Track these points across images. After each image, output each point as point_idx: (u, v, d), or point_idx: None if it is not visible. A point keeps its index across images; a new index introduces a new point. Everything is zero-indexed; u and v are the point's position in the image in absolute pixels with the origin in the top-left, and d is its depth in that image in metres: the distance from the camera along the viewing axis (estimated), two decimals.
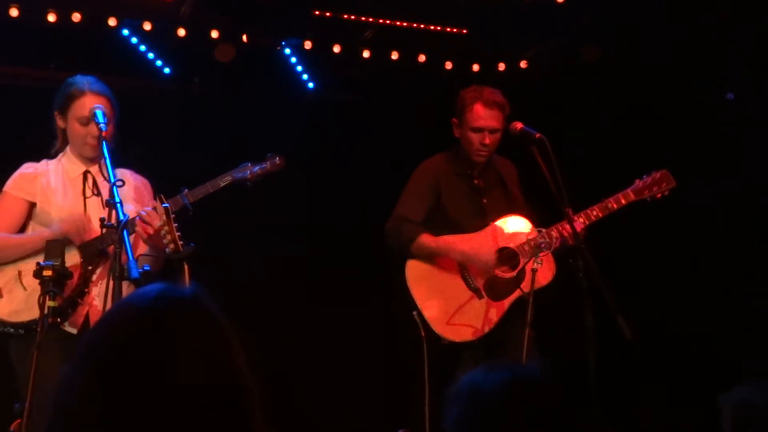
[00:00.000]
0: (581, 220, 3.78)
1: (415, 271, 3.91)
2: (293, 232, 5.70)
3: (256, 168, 3.68)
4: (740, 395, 1.67)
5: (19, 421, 3.35)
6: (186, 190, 3.57)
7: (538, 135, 3.74)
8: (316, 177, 5.59)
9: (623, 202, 3.85)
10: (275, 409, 1.25)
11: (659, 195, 3.87)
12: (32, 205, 3.62)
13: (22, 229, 3.61)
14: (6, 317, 3.48)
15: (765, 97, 4.87)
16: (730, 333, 4.99)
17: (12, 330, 3.49)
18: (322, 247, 5.78)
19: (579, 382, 3.55)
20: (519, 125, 3.83)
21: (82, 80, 3.64)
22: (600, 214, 3.82)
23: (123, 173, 3.61)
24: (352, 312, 5.66)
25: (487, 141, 3.86)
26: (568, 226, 3.67)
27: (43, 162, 3.69)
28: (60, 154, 3.68)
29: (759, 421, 1.56)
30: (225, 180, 3.63)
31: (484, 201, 3.93)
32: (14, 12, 4.96)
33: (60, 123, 3.64)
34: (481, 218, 3.89)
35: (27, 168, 3.67)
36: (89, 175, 3.61)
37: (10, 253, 3.52)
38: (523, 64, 5.87)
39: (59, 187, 3.62)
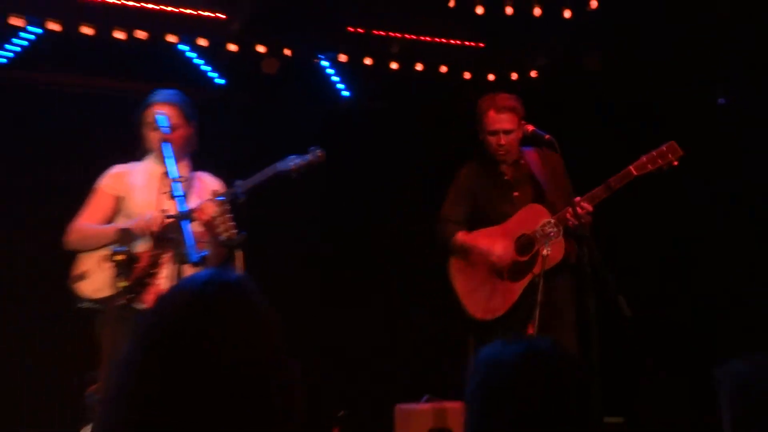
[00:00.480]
0: (584, 203, 3.67)
1: (455, 265, 3.94)
2: (324, 224, 5.71)
3: (300, 160, 3.63)
4: (736, 369, 1.58)
5: (95, 386, 3.41)
6: (238, 182, 3.55)
7: (547, 136, 3.71)
8: (348, 175, 5.57)
9: (625, 180, 3.71)
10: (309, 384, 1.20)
11: (666, 167, 3.70)
12: (119, 200, 3.63)
13: (111, 221, 3.62)
14: (90, 294, 3.50)
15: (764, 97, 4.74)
16: (727, 316, 4.90)
17: (95, 305, 3.51)
18: (355, 234, 5.75)
19: (584, 354, 3.51)
20: (530, 127, 3.82)
21: (156, 92, 3.67)
22: (603, 195, 3.71)
23: (201, 175, 3.68)
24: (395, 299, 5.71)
25: (503, 141, 3.84)
26: (570, 210, 3.62)
27: (131, 164, 3.70)
28: (145, 157, 3.69)
29: (756, 394, 1.49)
30: (272, 170, 3.59)
31: (515, 194, 3.91)
32: (89, 30, 4.99)
33: (144, 132, 3.65)
34: (512, 210, 3.87)
35: (116, 168, 3.69)
36: (167, 175, 3.55)
37: (95, 241, 3.53)
38: (533, 74, 5.86)
39: (141, 185, 3.62)
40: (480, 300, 3.84)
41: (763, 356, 1.62)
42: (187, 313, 1.17)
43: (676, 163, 3.64)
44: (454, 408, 4.51)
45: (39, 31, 4.98)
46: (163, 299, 1.24)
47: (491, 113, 3.84)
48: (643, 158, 3.68)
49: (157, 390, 1.11)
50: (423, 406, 4.61)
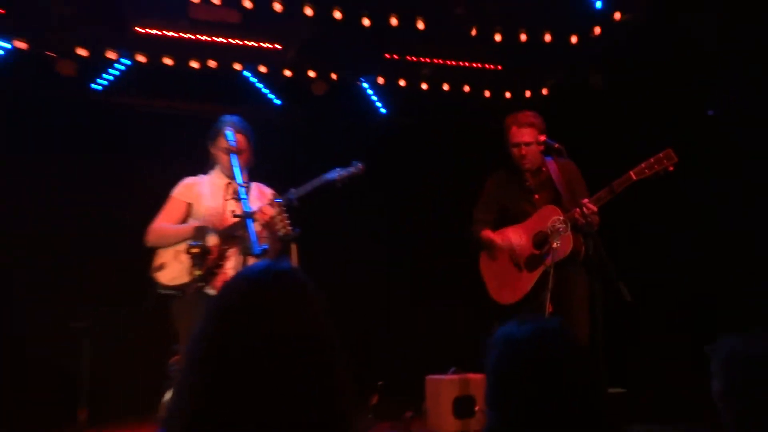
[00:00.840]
0: (589, 204, 3.70)
1: (484, 258, 3.99)
2: (365, 222, 5.72)
3: (343, 171, 3.66)
4: (726, 343, 1.52)
5: (177, 356, 3.52)
6: (292, 190, 3.58)
7: (557, 145, 3.75)
8: (385, 180, 5.54)
9: (626, 184, 3.72)
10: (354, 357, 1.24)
11: (662, 172, 3.70)
12: (190, 205, 3.67)
13: (182, 223, 3.66)
14: (168, 282, 3.54)
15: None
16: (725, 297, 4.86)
17: (172, 291, 3.54)
18: (391, 229, 5.79)
19: (590, 334, 3.54)
20: (543, 137, 3.84)
21: (225, 118, 3.69)
22: (607, 197, 3.74)
23: (257, 185, 3.69)
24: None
25: (523, 152, 3.85)
26: (578, 210, 3.65)
27: (200, 176, 3.74)
28: (211, 170, 3.73)
29: (747, 371, 1.43)
30: (320, 181, 3.61)
31: (536, 197, 3.92)
32: (170, 61, 5.13)
33: (212, 149, 3.69)
34: (534, 211, 3.92)
35: (187, 180, 3.72)
36: (230, 186, 3.57)
37: (172, 239, 3.58)
38: (544, 91, 5.84)
39: (208, 193, 3.66)
40: (502, 287, 3.89)
41: (751, 333, 1.57)
42: (248, 295, 1.20)
43: (671, 168, 3.59)
44: (477, 379, 4.55)
45: (128, 62, 5.16)
46: (229, 284, 1.26)
47: (514, 128, 3.87)
48: (642, 164, 3.64)
49: (224, 359, 1.13)
50: (450, 377, 4.63)
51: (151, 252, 3.63)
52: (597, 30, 5.07)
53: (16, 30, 4.77)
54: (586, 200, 3.65)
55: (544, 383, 1.31)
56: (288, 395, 1.11)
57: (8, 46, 4.84)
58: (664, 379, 4.90)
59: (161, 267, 3.59)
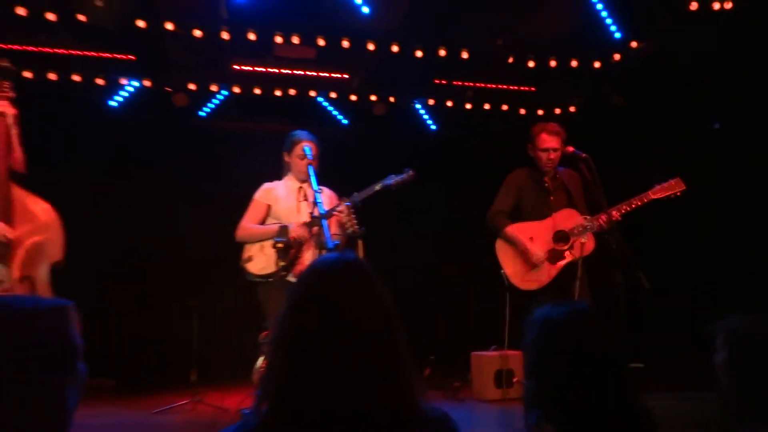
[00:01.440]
0: (614, 212, 3.60)
1: (501, 245, 3.85)
2: (419, 220, 5.69)
3: (398, 177, 3.63)
4: (729, 322, 1.43)
5: (266, 332, 3.48)
6: (356, 194, 3.57)
7: (584, 155, 3.59)
8: (435, 187, 5.52)
9: (645, 200, 3.64)
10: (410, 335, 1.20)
11: (673, 196, 3.63)
12: (269, 207, 3.69)
13: (263, 222, 3.69)
14: (257, 272, 3.58)
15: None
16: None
17: (259, 279, 3.59)
18: (440, 225, 5.74)
19: (612, 318, 3.43)
20: (570, 148, 3.70)
21: (299, 133, 3.70)
22: (628, 209, 3.63)
23: (323, 189, 3.65)
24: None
25: (552, 157, 3.75)
26: (604, 217, 3.55)
27: (276, 182, 3.76)
28: (285, 177, 3.74)
29: (745, 341, 1.36)
30: (378, 185, 3.59)
31: (551, 198, 3.81)
32: (258, 91, 5.24)
33: (286, 158, 3.70)
34: (548, 210, 3.81)
35: (267, 185, 3.75)
36: (301, 189, 3.64)
37: (258, 236, 3.61)
38: (572, 109, 5.71)
39: (284, 196, 3.68)
40: (523, 275, 3.74)
41: (754, 314, 1.49)
42: (320, 281, 1.19)
43: (680, 194, 3.56)
44: (515, 355, 4.47)
45: (226, 93, 5.31)
46: (305, 272, 1.24)
47: (544, 135, 3.74)
48: (657, 187, 3.59)
49: (303, 336, 1.13)
50: (491, 353, 4.58)
51: (240, 247, 3.67)
52: (617, 56, 4.95)
53: (143, 72, 4.95)
54: (615, 212, 3.55)
55: (576, 356, 1.29)
56: (358, 365, 1.10)
57: (137, 84, 5.04)
58: (676, 355, 4.74)
59: (249, 259, 3.62)
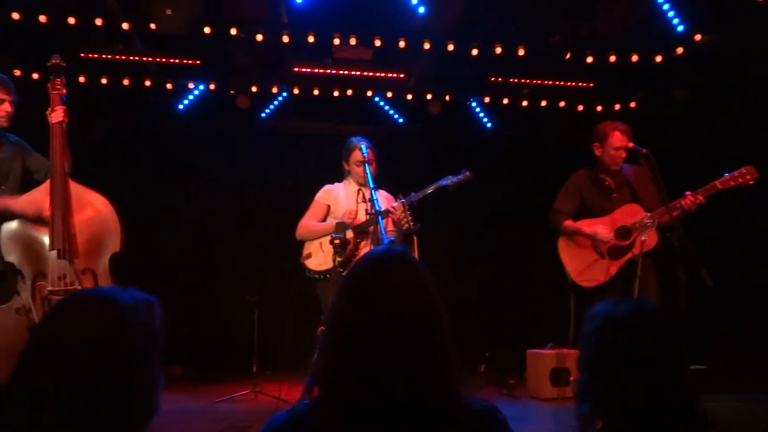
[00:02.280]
0: (678, 206, 3.47)
1: (563, 244, 3.83)
2: (474, 216, 5.62)
3: (455, 178, 3.64)
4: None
5: (322, 327, 3.59)
6: (413, 193, 3.59)
7: (644, 150, 3.50)
8: (491, 183, 5.40)
9: (711, 192, 3.48)
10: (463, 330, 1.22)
11: (744, 184, 3.43)
12: (329, 207, 3.76)
13: (322, 222, 3.76)
14: (315, 268, 3.66)
15: None
16: None
17: (318, 276, 3.66)
18: (497, 221, 5.64)
19: (674, 317, 3.30)
20: (630, 144, 3.63)
21: (354, 139, 3.73)
22: (702, 198, 3.48)
23: (380, 191, 3.69)
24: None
25: (624, 155, 3.69)
26: (663, 211, 3.43)
27: (336, 184, 3.83)
28: (345, 180, 3.80)
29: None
30: (435, 186, 3.61)
31: (614, 196, 3.75)
32: (317, 91, 5.33)
33: (345, 166, 3.75)
34: (611, 207, 3.74)
35: (327, 186, 3.82)
36: (360, 191, 3.65)
37: (317, 234, 3.68)
38: (632, 104, 5.54)
39: (343, 197, 3.74)
40: (584, 271, 3.70)
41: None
42: (367, 272, 1.19)
43: (752, 182, 3.36)
44: (571, 353, 4.38)
45: (285, 94, 5.44)
46: (356, 265, 1.25)
47: (617, 133, 3.67)
48: (726, 176, 3.44)
49: (350, 324, 1.13)
50: (548, 351, 4.47)
51: (300, 244, 3.75)
52: (679, 50, 4.74)
53: (208, 76, 5.14)
54: (690, 194, 3.42)
55: (632, 354, 1.25)
56: (403, 354, 1.10)
57: (202, 87, 5.25)
58: (741, 357, 4.51)
59: (309, 256, 3.70)
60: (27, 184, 3.27)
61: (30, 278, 3.03)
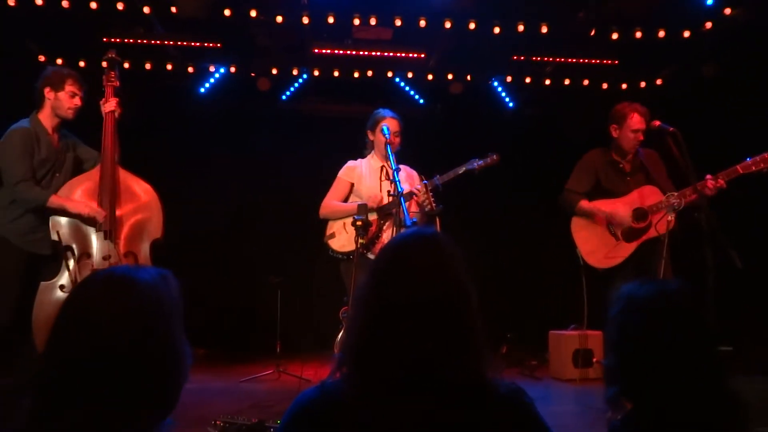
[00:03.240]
0: (698, 189, 3.39)
1: (577, 224, 3.79)
2: (496, 196, 5.53)
3: (481, 162, 3.61)
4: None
5: (345, 308, 3.61)
6: (438, 176, 3.57)
7: (671, 129, 3.41)
8: (514, 165, 5.37)
9: (731, 176, 3.40)
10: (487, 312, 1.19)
11: (766, 169, 3.35)
12: (352, 185, 3.74)
13: (346, 200, 3.75)
14: (338, 249, 3.66)
15: None
16: None
17: (341, 256, 3.67)
18: (516, 200, 5.58)
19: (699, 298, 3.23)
20: (657, 122, 3.53)
21: (382, 110, 3.71)
22: (724, 181, 3.40)
23: (404, 167, 3.66)
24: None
25: (641, 138, 3.64)
26: (691, 191, 3.36)
27: (359, 160, 3.80)
28: (368, 155, 3.77)
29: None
30: (461, 169, 3.59)
31: (629, 178, 3.69)
32: (337, 73, 5.29)
33: (370, 136, 3.72)
34: (626, 189, 3.67)
35: (350, 163, 3.79)
36: (383, 168, 3.64)
37: (340, 214, 3.67)
38: (658, 82, 5.40)
39: (367, 175, 3.71)
40: (598, 252, 3.66)
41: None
42: (396, 253, 1.20)
43: None
44: (594, 334, 4.34)
45: (305, 76, 5.42)
46: (385, 248, 1.26)
47: (636, 116, 3.62)
48: (748, 161, 3.34)
49: (378, 303, 1.14)
50: (570, 332, 4.45)
51: (323, 223, 3.75)
52: (708, 24, 4.59)
53: (228, 59, 5.14)
54: (710, 178, 3.34)
55: (657, 336, 1.24)
56: (430, 334, 1.10)
57: (223, 70, 5.26)
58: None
59: (332, 236, 3.70)
60: (77, 173, 3.50)
61: (77, 256, 3.27)
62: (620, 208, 3.63)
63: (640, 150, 3.70)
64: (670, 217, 3.41)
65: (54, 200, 3.26)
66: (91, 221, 3.27)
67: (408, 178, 3.63)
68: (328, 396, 1.12)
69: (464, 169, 3.57)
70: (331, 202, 3.71)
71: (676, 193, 3.50)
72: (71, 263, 3.22)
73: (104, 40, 4.71)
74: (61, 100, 3.35)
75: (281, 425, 1.14)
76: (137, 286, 1.07)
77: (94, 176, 3.39)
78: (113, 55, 3.50)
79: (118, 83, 3.48)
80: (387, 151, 3.45)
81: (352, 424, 1.08)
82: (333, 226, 3.70)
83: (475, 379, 1.12)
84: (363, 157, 3.80)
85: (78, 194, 3.34)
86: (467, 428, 1.09)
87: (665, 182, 3.54)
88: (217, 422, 2.62)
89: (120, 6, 4.32)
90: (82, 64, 4.87)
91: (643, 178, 3.66)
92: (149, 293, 1.07)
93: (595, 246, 3.68)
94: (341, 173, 3.78)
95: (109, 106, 3.41)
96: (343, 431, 1.08)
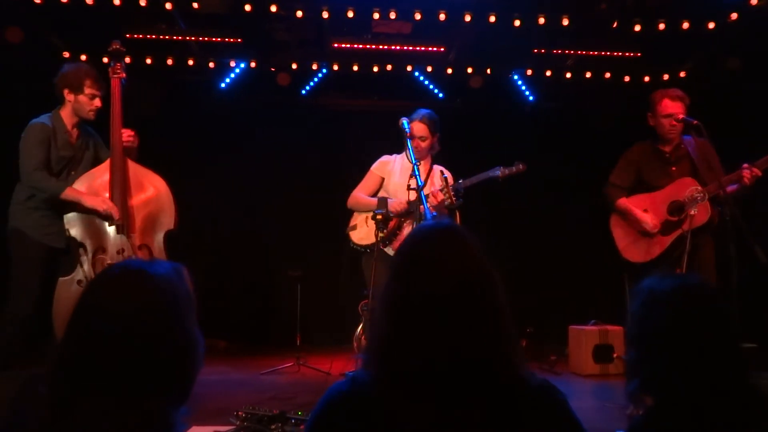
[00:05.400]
0: (735, 179, 3.34)
1: (615, 219, 3.75)
2: (518, 187, 5.36)
3: (506, 170, 3.60)
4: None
5: (365, 301, 3.63)
6: (461, 180, 3.55)
7: (695, 122, 3.38)
8: (535, 158, 5.34)
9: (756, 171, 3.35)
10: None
11: None
12: (382, 180, 3.75)
13: (376, 193, 3.76)
14: (358, 241, 3.69)
15: None
16: None
17: (360, 248, 3.70)
18: (536, 193, 5.48)
19: (726, 290, 3.20)
20: (681, 115, 3.50)
21: (416, 111, 3.66)
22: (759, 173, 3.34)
23: (438, 167, 3.68)
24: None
25: (675, 123, 3.53)
26: (716, 186, 3.32)
27: (395, 155, 3.80)
28: (403, 152, 3.75)
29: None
30: (485, 176, 3.59)
31: (673, 169, 3.62)
32: (356, 67, 5.30)
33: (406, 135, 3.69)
34: (670, 181, 3.62)
35: (385, 157, 3.80)
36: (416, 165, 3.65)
37: (364, 207, 3.71)
38: (682, 74, 5.30)
39: (398, 173, 3.71)
40: (635, 247, 3.62)
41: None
42: (417, 246, 1.21)
43: None
44: (615, 330, 4.34)
45: (325, 71, 5.43)
46: (405, 240, 1.26)
47: (666, 101, 3.53)
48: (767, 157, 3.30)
49: (402, 298, 1.15)
50: (590, 328, 4.45)
51: (348, 215, 3.78)
52: (734, 16, 4.49)
53: (249, 53, 5.16)
54: (747, 167, 3.29)
55: (677, 330, 1.22)
56: (457, 327, 1.10)
57: (243, 65, 5.30)
58: None
59: (354, 228, 3.73)
60: None
61: (91, 252, 3.27)
62: (650, 218, 3.57)
63: (688, 139, 3.62)
64: (693, 211, 3.37)
65: (69, 192, 3.23)
66: (105, 216, 3.28)
67: (439, 179, 3.61)
68: (359, 389, 1.13)
69: (488, 176, 3.57)
70: (358, 194, 3.74)
71: (701, 187, 3.45)
72: (86, 259, 3.23)
73: (126, 36, 4.77)
74: (81, 103, 3.32)
75: (312, 417, 1.14)
76: (151, 279, 1.09)
77: (104, 170, 3.35)
78: (117, 47, 3.37)
79: (124, 75, 3.37)
80: (407, 144, 3.42)
81: (382, 418, 1.08)
82: (357, 218, 3.74)
83: (506, 370, 1.11)
84: (398, 153, 3.80)
85: (92, 188, 3.32)
86: (498, 421, 1.08)
87: (708, 174, 3.46)
88: (239, 413, 2.67)
89: (143, 2, 4.37)
90: (105, 60, 4.94)
91: (688, 169, 3.60)
92: (163, 286, 1.10)
93: (632, 240, 3.66)
94: (374, 167, 3.80)
95: (116, 107, 3.33)
96: (374, 425, 1.08)
